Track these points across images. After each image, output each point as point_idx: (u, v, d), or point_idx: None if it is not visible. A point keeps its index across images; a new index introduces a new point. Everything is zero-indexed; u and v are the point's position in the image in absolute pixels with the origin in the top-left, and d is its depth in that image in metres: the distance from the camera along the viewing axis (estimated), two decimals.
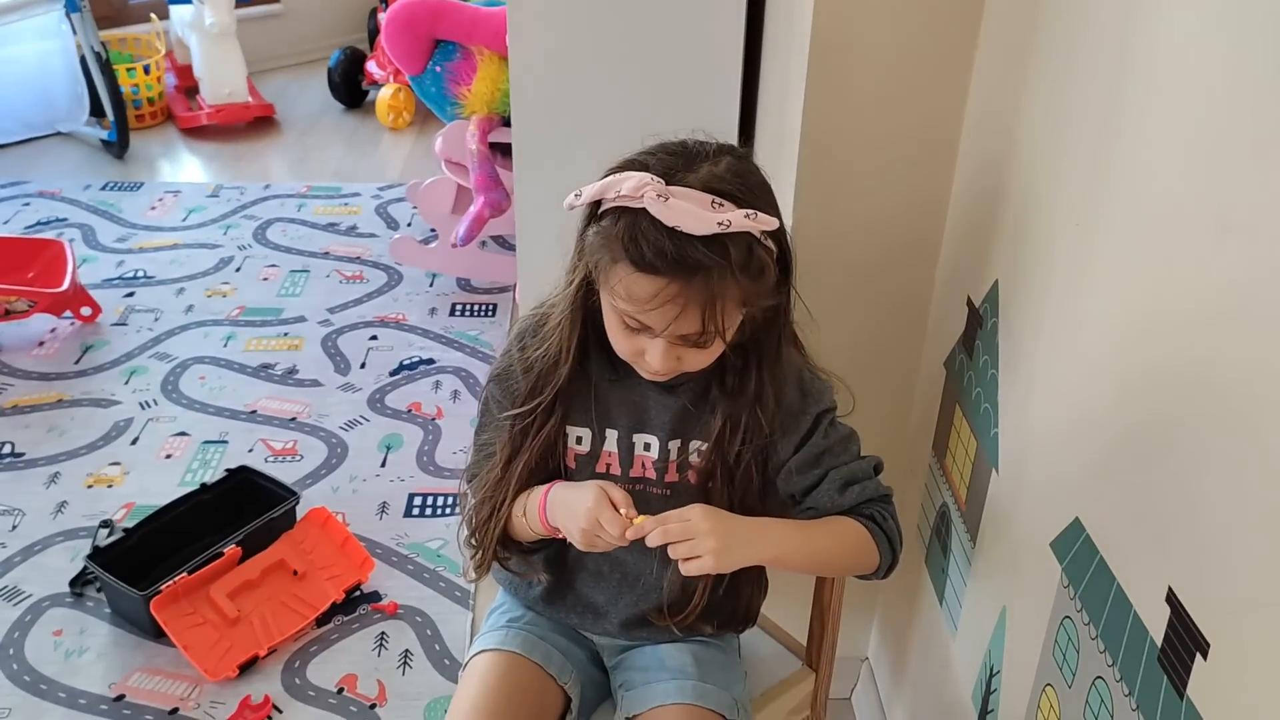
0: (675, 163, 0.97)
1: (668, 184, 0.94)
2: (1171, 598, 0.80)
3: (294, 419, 2.41)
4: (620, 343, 1.03)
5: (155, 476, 2.21)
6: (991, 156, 1.21)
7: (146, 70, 3.89)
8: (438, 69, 2.70)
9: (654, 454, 1.13)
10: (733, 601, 1.18)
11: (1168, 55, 0.84)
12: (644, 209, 0.93)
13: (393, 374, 2.58)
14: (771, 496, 1.14)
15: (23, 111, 3.78)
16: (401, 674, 1.80)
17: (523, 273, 1.87)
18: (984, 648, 1.21)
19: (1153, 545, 0.84)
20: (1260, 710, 0.70)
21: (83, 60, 3.63)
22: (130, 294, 2.90)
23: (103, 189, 3.51)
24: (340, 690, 1.76)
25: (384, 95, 3.98)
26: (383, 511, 2.15)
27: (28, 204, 3.38)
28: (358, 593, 1.94)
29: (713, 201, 0.94)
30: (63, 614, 1.89)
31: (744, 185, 0.97)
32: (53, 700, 1.73)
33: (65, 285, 2.64)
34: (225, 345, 2.68)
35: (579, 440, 1.14)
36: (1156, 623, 0.82)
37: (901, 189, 1.33)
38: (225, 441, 2.33)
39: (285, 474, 2.16)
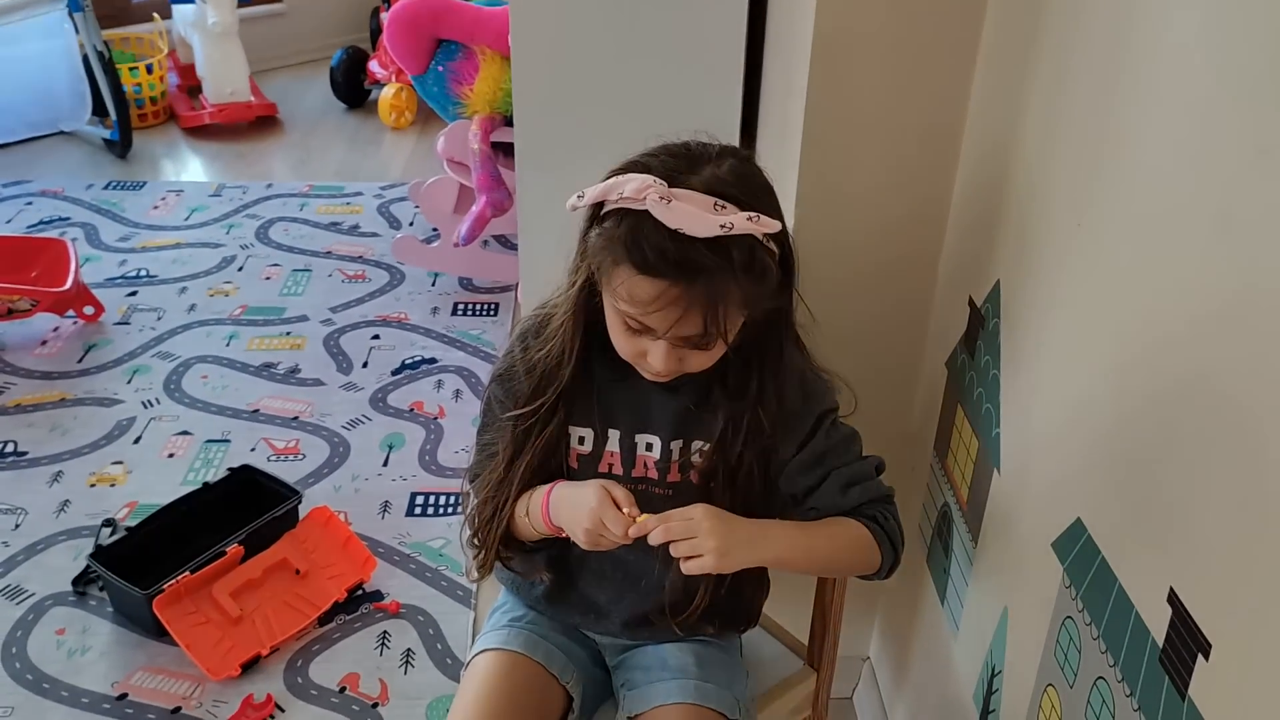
0: (678, 164, 0.97)
1: (670, 186, 0.94)
2: (1173, 598, 0.80)
3: (296, 418, 2.41)
4: (622, 344, 1.03)
5: (158, 475, 2.22)
6: (993, 156, 1.21)
7: (149, 69, 3.89)
8: (440, 68, 2.70)
9: (656, 454, 1.13)
10: (735, 602, 1.18)
11: (1169, 56, 0.84)
12: (646, 211, 0.93)
13: (395, 373, 2.59)
14: (774, 497, 1.14)
15: (25, 110, 3.78)
16: (403, 673, 1.80)
17: (525, 272, 1.87)
18: (985, 648, 1.21)
19: (1154, 545, 0.85)
20: (1262, 711, 0.70)
21: (85, 59, 3.64)
22: (133, 293, 2.90)
23: (105, 188, 3.51)
24: (342, 689, 1.76)
25: (386, 95, 3.98)
26: (385, 511, 2.15)
27: (30, 203, 3.38)
28: (360, 592, 1.94)
29: (715, 204, 0.94)
30: (65, 613, 1.89)
31: (747, 187, 0.97)
32: (55, 699, 1.73)
33: (68, 284, 2.64)
34: (228, 344, 2.69)
35: (581, 440, 1.14)
36: (1158, 623, 0.82)
37: (903, 189, 1.33)
38: (228, 440, 2.33)
39: (287, 473, 2.17)
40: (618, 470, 1.14)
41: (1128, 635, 0.87)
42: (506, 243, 3.10)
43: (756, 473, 1.11)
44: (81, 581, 1.94)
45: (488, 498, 1.15)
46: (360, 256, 3.13)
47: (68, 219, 3.29)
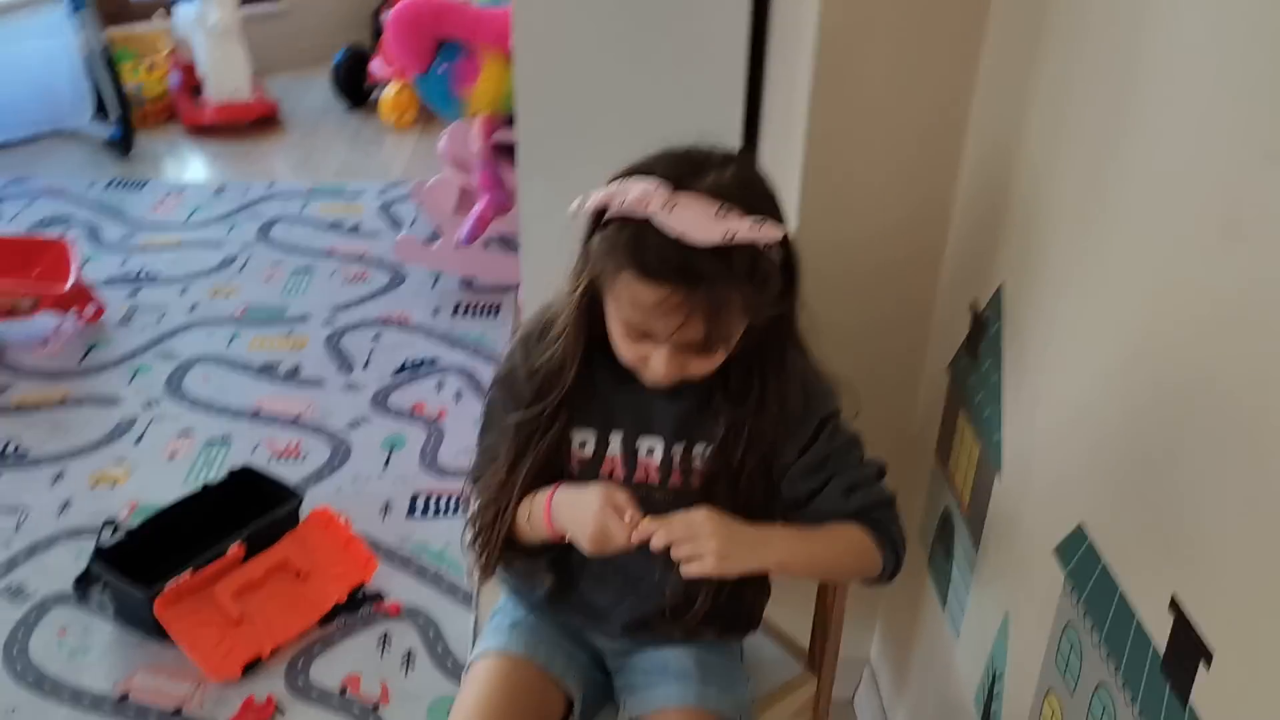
0: (681, 170, 0.97)
1: (673, 192, 0.94)
2: (1175, 605, 0.80)
3: (297, 419, 2.42)
4: (624, 349, 1.03)
5: (159, 476, 2.22)
6: (996, 161, 1.21)
7: (151, 68, 3.90)
8: (441, 69, 2.70)
9: (658, 458, 1.13)
10: (736, 605, 1.18)
11: (1173, 61, 0.84)
12: (649, 217, 0.93)
13: (396, 374, 2.59)
14: (775, 501, 1.13)
15: (27, 109, 3.79)
16: (404, 675, 1.80)
17: (526, 273, 1.87)
18: (987, 653, 1.21)
19: (1156, 552, 0.84)
20: None
21: (87, 58, 3.64)
22: (134, 293, 2.91)
23: (107, 187, 3.51)
24: (343, 691, 1.77)
25: (388, 94, 3.99)
26: (386, 512, 2.15)
27: (32, 202, 3.38)
28: (361, 593, 1.94)
29: (718, 211, 0.94)
30: (67, 613, 1.89)
31: (750, 194, 0.97)
32: (56, 699, 1.73)
33: (69, 284, 2.65)
34: (229, 344, 2.69)
35: (583, 444, 1.14)
36: (1160, 630, 0.82)
37: (906, 193, 1.33)
38: (229, 441, 2.33)
39: (289, 474, 2.17)
40: (619, 474, 1.14)
41: (1129, 642, 0.87)
42: (508, 243, 3.10)
43: (758, 477, 1.11)
44: (83, 582, 1.93)
45: (490, 501, 1.15)
46: (362, 256, 3.13)
47: (69, 218, 3.29)
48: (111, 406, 2.44)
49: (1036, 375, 1.10)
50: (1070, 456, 1.02)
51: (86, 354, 2.63)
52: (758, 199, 0.99)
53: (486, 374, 2.55)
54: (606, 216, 0.98)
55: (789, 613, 1.36)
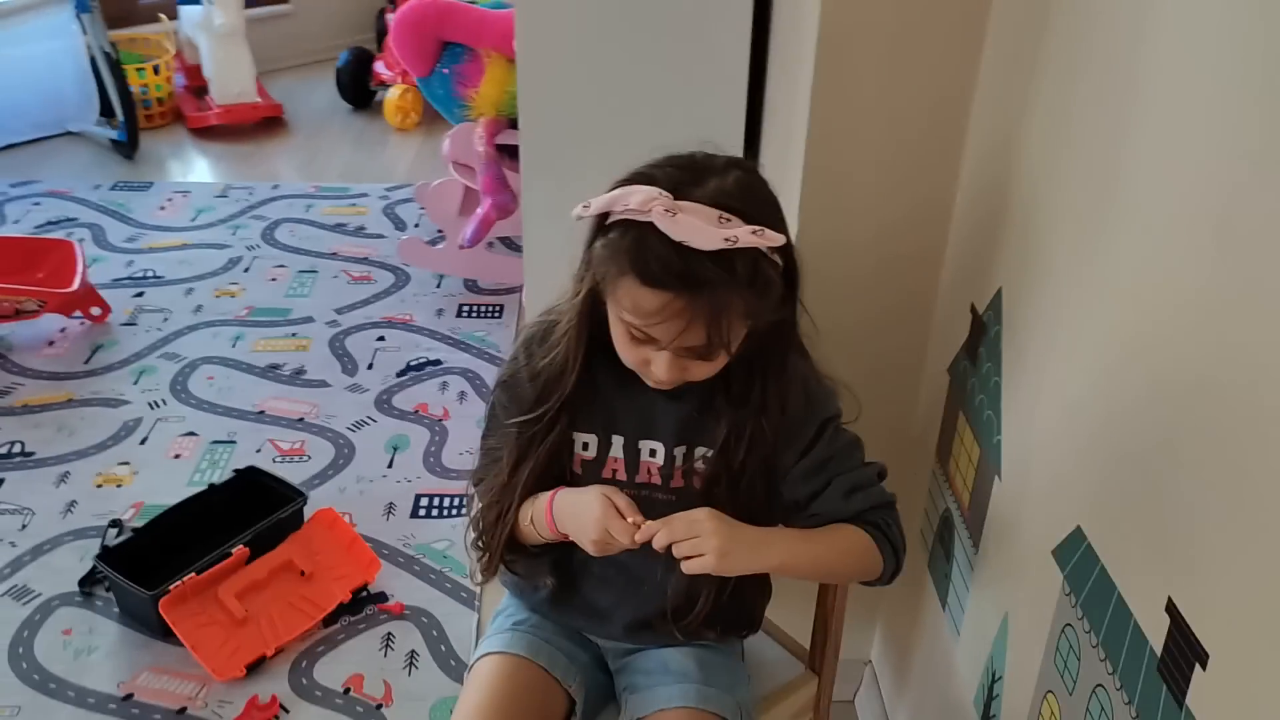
0: (683, 176, 0.98)
1: (676, 198, 0.95)
2: (1171, 607, 0.81)
3: (301, 419, 2.43)
4: (626, 352, 1.04)
5: (164, 476, 2.23)
6: (995, 165, 1.22)
7: (156, 70, 3.91)
8: (445, 71, 2.71)
9: (659, 460, 1.13)
10: (737, 607, 1.18)
11: (1171, 66, 0.85)
12: (651, 223, 0.94)
13: (400, 375, 2.60)
14: (776, 503, 1.14)
15: (32, 111, 3.80)
16: (407, 674, 1.81)
17: (529, 274, 1.88)
18: (986, 653, 1.22)
19: (1153, 555, 0.85)
20: None
21: (92, 60, 3.66)
22: (139, 294, 2.92)
23: (112, 189, 3.52)
24: (347, 690, 1.77)
25: (392, 96, 3.99)
26: (389, 512, 2.16)
27: (38, 204, 3.40)
28: (364, 593, 1.95)
29: (720, 217, 0.95)
30: (72, 613, 1.90)
31: (751, 201, 0.98)
32: (61, 699, 1.74)
33: (75, 285, 2.66)
34: (234, 345, 2.70)
35: (585, 446, 1.14)
36: (1156, 632, 0.83)
37: (906, 196, 1.33)
38: (233, 442, 2.34)
39: (293, 474, 2.18)
40: (621, 476, 1.14)
41: (1126, 644, 0.88)
42: (511, 245, 3.11)
43: (759, 479, 1.11)
44: (88, 582, 1.95)
45: (492, 502, 1.16)
46: (366, 258, 3.14)
47: (75, 220, 3.30)
48: (117, 407, 2.45)
49: (1035, 378, 1.10)
50: (1069, 459, 1.03)
51: (92, 355, 2.64)
52: (759, 205, 0.99)
53: (490, 375, 2.56)
54: (609, 221, 0.99)
55: (790, 613, 1.37)
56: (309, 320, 2.81)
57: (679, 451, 1.13)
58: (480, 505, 1.19)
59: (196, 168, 3.81)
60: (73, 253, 2.76)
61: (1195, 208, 0.80)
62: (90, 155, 3.78)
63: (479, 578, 1.21)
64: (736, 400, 1.09)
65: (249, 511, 1.98)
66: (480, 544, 1.19)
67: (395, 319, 2.83)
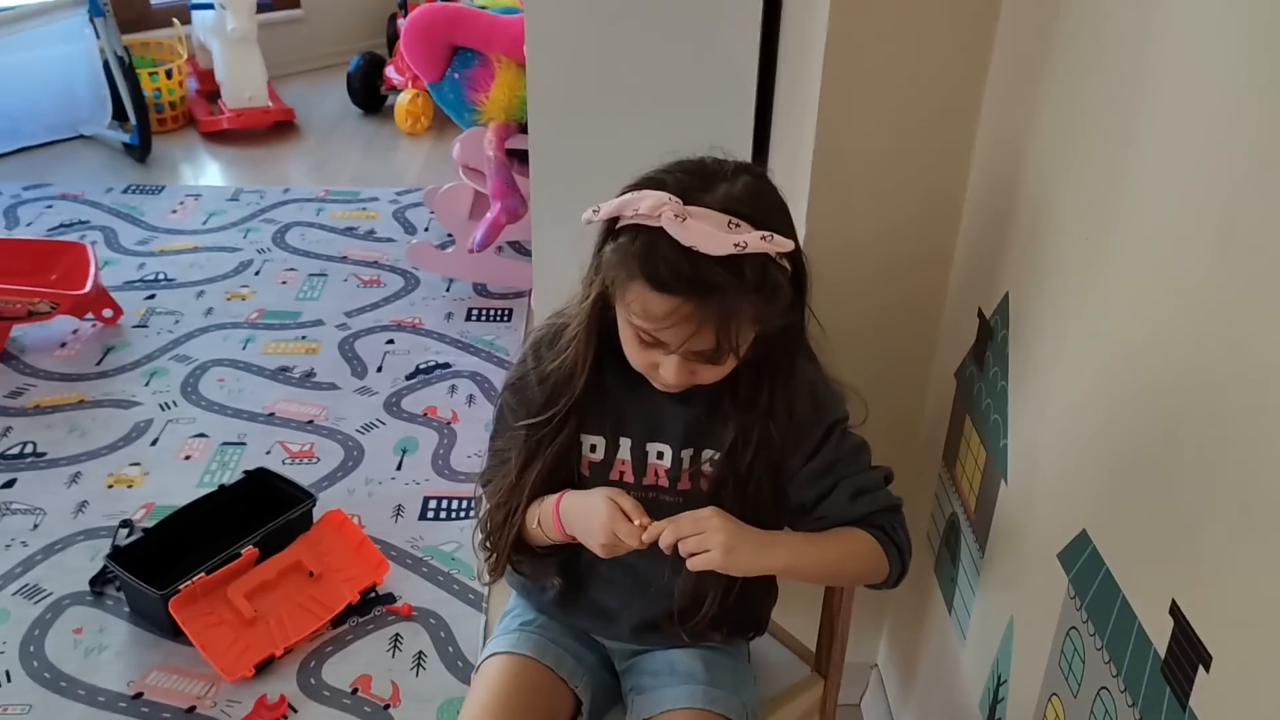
0: (693, 182, 0.98)
1: (685, 204, 0.96)
2: (1175, 610, 0.81)
3: (311, 421, 2.44)
4: (635, 356, 1.05)
5: (174, 477, 2.24)
6: (1003, 170, 1.22)
7: (169, 74, 3.94)
8: (456, 76, 2.72)
9: (667, 462, 1.14)
10: (743, 609, 1.19)
11: (1177, 71, 0.85)
12: (661, 228, 0.94)
13: (409, 378, 2.61)
14: (783, 506, 1.15)
15: (46, 115, 3.83)
16: (415, 675, 1.82)
17: (538, 278, 1.89)
18: (992, 656, 1.22)
19: (1157, 558, 0.85)
20: None
21: (105, 64, 3.68)
22: (151, 296, 2.94)
23: (124, 192, 3.55)
24: (355, 691, 1.78)
25: (402, 100, 4.01)
26: (398, 514, 2.17)
27: (51, 206, 3.42)
28: (373, 594, 1.96)
29: (729, 222, 0.95)
30: (83, 612, 1.92)
31: (761, 206, 0.99)
32: (72, 697, 1.75)
33: (87, 287, 2.67)
34: (244, 348, 2.71)
35: (593, 448, 1.15)
36: (1160, 634, 0.83)
37: (914, 200, 1.34)
38: (243, 443, 2.36)
39: (302, 476, 2.19)
40: (629, 478, 1.15)
41: (1130, 646, 0.88)
42: (520, 249, 3.12)
43: (766, 482, 1.12)
44: (99, 581, 1.96)
45: (500, 503, 1.17)
46: (376, 261, 3.15)
47: (87, 222, 3.33)
48: (128, 409, 2.47)
49: (1042, 382, 1.11)
50: (1074, 463, 1.03)
51: (103, 357, 2.66)
52: (768, 210, 1.00)
53: (498, 379, 2.56)
54: (619, 225, 1.00)
55: (796, 616, 1.37)
56: (319, 323, 2.83)
57: (686, 454, 1.13)
58: (488, 506, 1.19)
59: (208, 171, 3.83)
60: (85, 255, 2.78)
61: (1203, 212, 0.80)
62: (103, 158, 3.80)
63: (486, 578, 1.22)
64: (744, 404, 1.10)
65: (258, 513, 1.99)
66: (488, 545, 1.20)
67: (405, 322, 2.84)
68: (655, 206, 0.95)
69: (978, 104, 1.28)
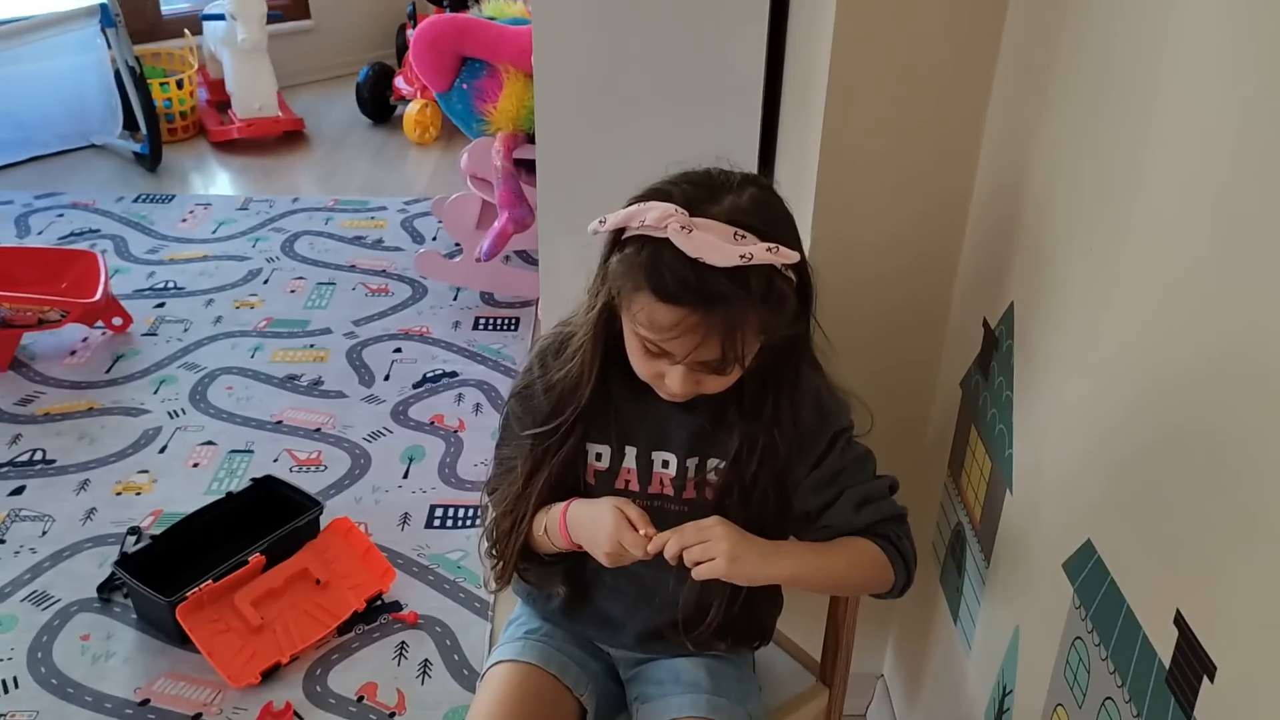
0: (699, 193, 0.99)
1: (691, 215, 0.96)
2: (1179, 620, 0.81)
3: (318, 430, 2.45)
4: (641, 366, 1.05)
5: (182, 485, 2.25)
6: (1008, 178, 1.23)
7: (179, 84, 3.96)
8: (464, 86, 2.73)
9: (672, 471, 1.14)
10: (748, 618, 1.19)
11: (1182, 82, 0.85)
12: (667, 239, 0.95)
13: (416, 386, 2.62)
14: (787, 516, 1.15)
15: (58, 124, 3.85)
16: (421, 683, 1.82)
17: (545, 288, 1.89)
18: (997, 667, 1.22)
19: (1162, 568, 0.85)
20: None
21: (117, 74, 3.71)
22: (160, 305, 2.95)
23: (135, 201, 3.57)
24: (360, 698, 1.79)
25: (411, 111, 4.03)
26: (404, 522, 2.17)
27: (62, 215, 3.44)
28: (379, 602, 1.96)
29: (735, 234, 0.96)
30: (90, 619, 1.92)
31: (767, 217, 0.99)
32: (79, 704, 1.76)
33: (97, 296, 2.69)
34: (252, 356, 2.72)
35: (599, 457, 1.16)
36: (1165, 645, 0.83)
37: (919, 209, 1.34)
38: (251, 451, 2.37)
39: (309, 484, 2.19)
40: (634, 487, 1.15)
41: (1135, 656, 0.88)
42: (528, 258, 3.13)
43: (771, 492, 1.12)
44: (106, 588, 1.97)
45: (506, 511, 1.17)
46: (383, 270, 3.16)
47: (98, 231, 3.34)
48: (137, 416, 2.48)
49: (1047, 392, 1.11)
50: (1079, 473, 1.03)
51: (113, 364, 2.67)
52: (774, 222, 1.00)
53: (505, 387, 2.57)
54: (625, 236, 1.00)
55: (801, 625, 1.37)
56: (327, 332, 2.84)
57: (691, 463, 1.14)
58: (494, 514, 1.20)
59: (218, 181, 3.85)
60: (95, 264, 2.79)
61: (1209, 223, 0.80)
62: (114, 168, 3.82)
63: (493, 586, 1.22)
64: (749, 413, 1.10)
65: (265, 520, 2.00)
66: (494, 553, 1.20)
67: (412, 331, 2.85)
68: (661, 218, 0.96)
69: (983, 111, 1.28)
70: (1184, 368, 0.83)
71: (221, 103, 4.13)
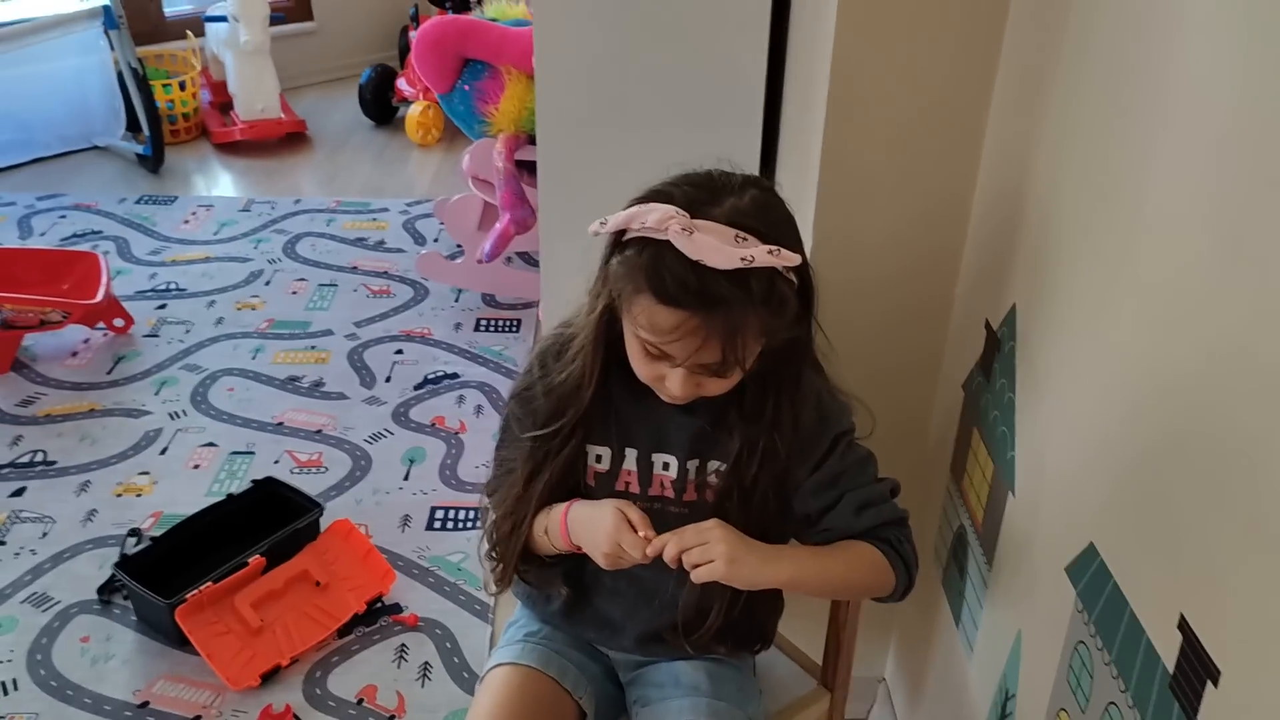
0: (700, 195, 0.98)
1: (692, 217, 0.96)
2: (1183, 624, 0.81)
3: (319, 431, 2.44)
4: (641, 368, 1.05)
5: (183, 486, 2.25)
6: (1010, 180, 1.22)
7: (182, 86, 3.96)
8: (466, 87, 2.73)
9: (672, 473, 1.14)
10: (748, 622, 1.18)
11: (1186, 85, 0.85)
12: (668, 241, 0.94)
13: (417, 388, 2.61)
14: (788, 519, 1.14)
15: (61, 126, 3.86)
16: (421, 686, 1.81)
17: (546, 289, 1.89)
18: (999, 671, 1.21)
19: (1166, 571, 0.85)
20: None
21: (120, 76, 3.71)
22: (162, 306, 2.95)
23: (137, 202, 3.57)
24: (360, 701, 1.78)
25: (413, 112, 4.03)
26: (405, 524, 2.17)
27: (64, 216, 3.44)
28: (379, 604, 1.96)
29: (736, 236, 0.95)
30: (90, 621, 1.92)
31: (768, 219, 0.99)
32: (78, 706, 1.76)
33: (99, 297, 2.69)
34: (254, 357, 2.72)
35: (599, 459, 1.15)
36: (1169, 649, 0.83)
37: (920, 210, 1.34)
38: (252, 453, 2.36)
39: (310, 485, 2.19)
40: (634, 489, 1.15)
41: (1139, 661, 0.87)
42: (529, 260, 3.13)
43: (771, 495, 1.12)
44: (106, 590, 1.96)
45: (507, 513, 1.17)
46: (385, 272, 3.16)
47: (100, 232, 3.35)
48: (138, 418, 2.47)
49: (1049, 395, 1.10)
50: (1082, 476, 1.02)
51: (114, 366, 2.67)
52: (775, 224, 1.00)
53: (507, 389, 2.56)
54: (626, 238, 1.00)
55: (803, 628, 1.37)
56: (328, 333, 2.84)
57: (692, 465, 1.13)
58: (494, 516, 1.19)
59: (220, 182, 3.85)
60: (97, 265, 2.79)
61: (1213, 225, 0.80)
62: (116, 169, 3.83)
63: (493, 588, 1.22)
64: (750, 416, 1.10)
65: (266, 522, 2.00)
66: (494, 554, 1.20)
67: (413, 333, 2.85)
68: (662, 219, 0.95)
69: (984, 111, 1.28)
70: (1188, 370, 0.83)
71: (224, 104, 4.13)
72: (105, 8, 3.55)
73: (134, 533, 2.10)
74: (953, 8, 1.22)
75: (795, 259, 0.97)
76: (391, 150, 4.08)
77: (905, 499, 1.17)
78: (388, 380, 2.64)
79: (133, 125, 3.81)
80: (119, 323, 2.78)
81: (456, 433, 2.45)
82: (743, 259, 0.94)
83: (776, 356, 1.06)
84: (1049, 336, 1.11)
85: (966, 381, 1.36)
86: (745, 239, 0.95)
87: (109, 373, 2.64)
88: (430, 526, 2.17)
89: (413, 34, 3.61)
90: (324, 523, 2.06)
